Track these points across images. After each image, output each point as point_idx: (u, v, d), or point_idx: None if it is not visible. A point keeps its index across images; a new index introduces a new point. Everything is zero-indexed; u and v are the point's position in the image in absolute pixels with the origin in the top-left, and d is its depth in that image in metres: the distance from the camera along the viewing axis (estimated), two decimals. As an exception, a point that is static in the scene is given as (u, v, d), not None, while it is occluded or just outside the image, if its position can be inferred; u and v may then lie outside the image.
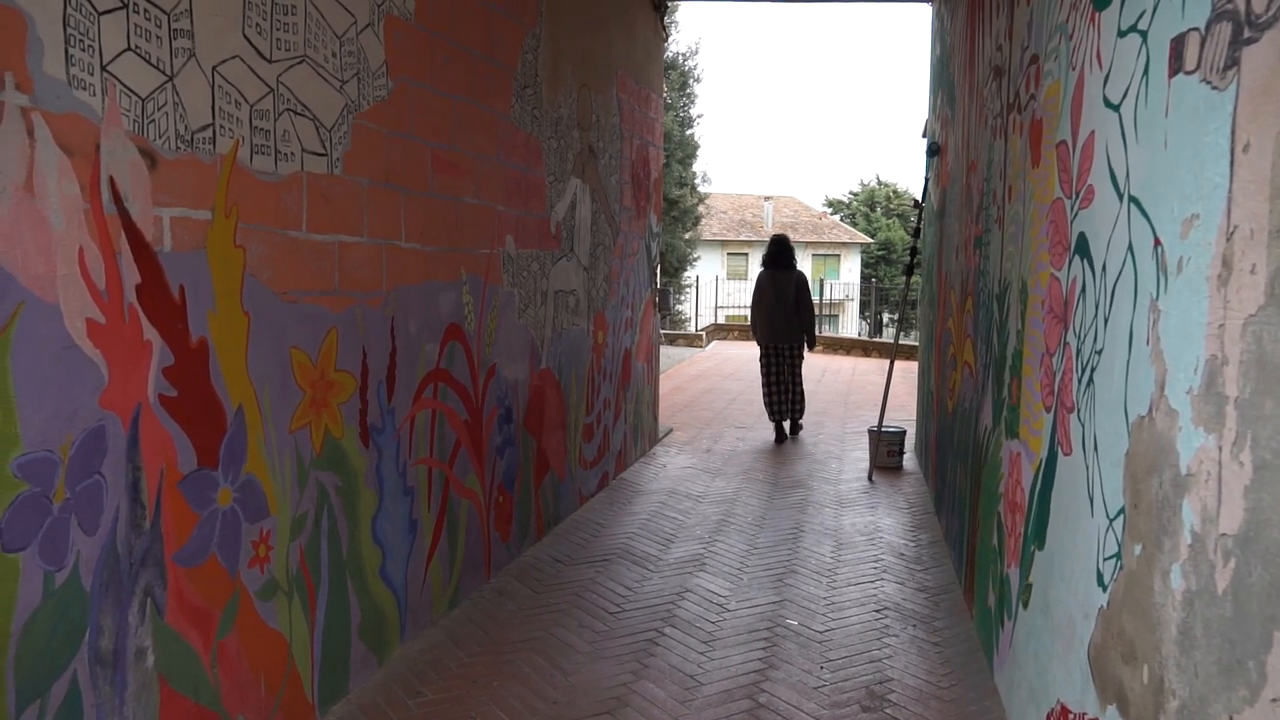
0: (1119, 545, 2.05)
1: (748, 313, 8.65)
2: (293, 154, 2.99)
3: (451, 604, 4.29)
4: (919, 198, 7.78)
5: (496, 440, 4.74)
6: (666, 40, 8.25)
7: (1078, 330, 2.51)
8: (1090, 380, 2.34)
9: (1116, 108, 2.20)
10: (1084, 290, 2.46)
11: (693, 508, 6.34)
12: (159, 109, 2.40)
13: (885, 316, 31.57)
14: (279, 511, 2.96)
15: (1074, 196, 2.62)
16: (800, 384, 8.76)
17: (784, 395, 8.64)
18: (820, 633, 4.18)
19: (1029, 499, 3.09)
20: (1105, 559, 2.14)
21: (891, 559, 5.29)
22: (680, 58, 24.67)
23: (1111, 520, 2.11)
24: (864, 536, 5.72)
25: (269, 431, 2.89)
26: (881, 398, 7.88)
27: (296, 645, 3.08)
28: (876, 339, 19.82)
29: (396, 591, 3.77)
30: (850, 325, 36.91)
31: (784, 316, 8.50)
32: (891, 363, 7.57)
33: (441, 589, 4.18)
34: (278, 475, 2.95)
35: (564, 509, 5.85)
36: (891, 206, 45.37)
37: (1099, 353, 2.27)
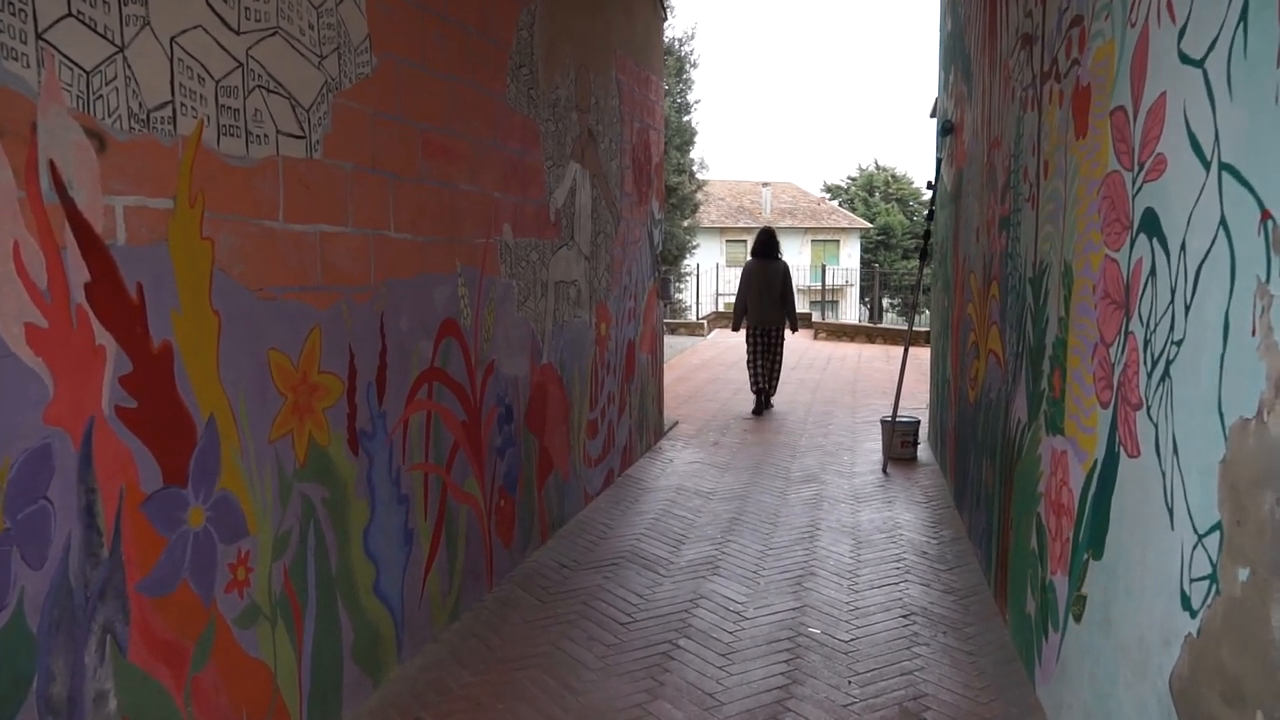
0: (1213, 566, 1.78)
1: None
2: (266, 136, 2.71)
3: (452, 617, 4.03)
4: (931, 179, 7.50)
5: (496, 441, 4.47)
6: (666, 20, 7.95)
7: (1145, 318, 2.24)
8: (1165, 374, 2.07)
9: (1199, 63, 1.92)
10: (1153, 272, 2.19)
11: (703, 505, 6.08)
12: (107, 84, 2.12)
13: (885, 301, 31.25)
14: (259, 530, 2.69)
15: (1136, 168, 2.35)
16: (779, 362, 9.67)
17: (765, 370, 9.68)
18: (845, 642, 3.92)
19: (1079, 502, 2.82)
20: (1193, 580, 1.88)
21: (914, 558, 5.03)
22: (677, 43, 24.30)
23: (1202, 537, 1.84)
24: (883, 534, 5.46)
25: (245, 442, 2.62)
26: (895, 387, 7.63)
27: (282, 674, 2.81)
28: (880, 325, 19.54)
29: (392, 608, 3.51)
30: (850, 311, 36.63)
31: (770, 302, 9.51)
32: (905, 350, 7.30)
33: (441, 601, 3.92)
34: (257, 490, 2.68)
35: (569, 509, 5.59)
36: (890, 191, 45.01)
37: (1178, 344, 2.00)
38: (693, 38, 29.28)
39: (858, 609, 4.29)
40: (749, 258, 9.76)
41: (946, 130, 6.80)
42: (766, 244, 9.61)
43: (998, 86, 4.68)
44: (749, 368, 9.75)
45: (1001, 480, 4.27)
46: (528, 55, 4.80)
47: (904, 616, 4.21)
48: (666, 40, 23.48)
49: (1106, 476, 2.54)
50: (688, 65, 24.95)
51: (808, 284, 33.73)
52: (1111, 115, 2.57)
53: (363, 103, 3.24)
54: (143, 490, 2.25)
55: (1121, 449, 2.41)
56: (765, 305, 9.50)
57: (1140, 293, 2.28)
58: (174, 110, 2.33)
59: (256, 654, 2.69)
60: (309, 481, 2.95)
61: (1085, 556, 2.73)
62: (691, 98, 25.70)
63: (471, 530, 4.21)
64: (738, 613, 4.24)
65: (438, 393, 3.85)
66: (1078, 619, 2.80)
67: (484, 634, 3.96)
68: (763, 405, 9.64)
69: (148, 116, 2.24)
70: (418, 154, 3.65)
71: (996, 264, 4.59)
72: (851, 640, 3.94)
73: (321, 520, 3.03)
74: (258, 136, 2.67)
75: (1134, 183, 2.35)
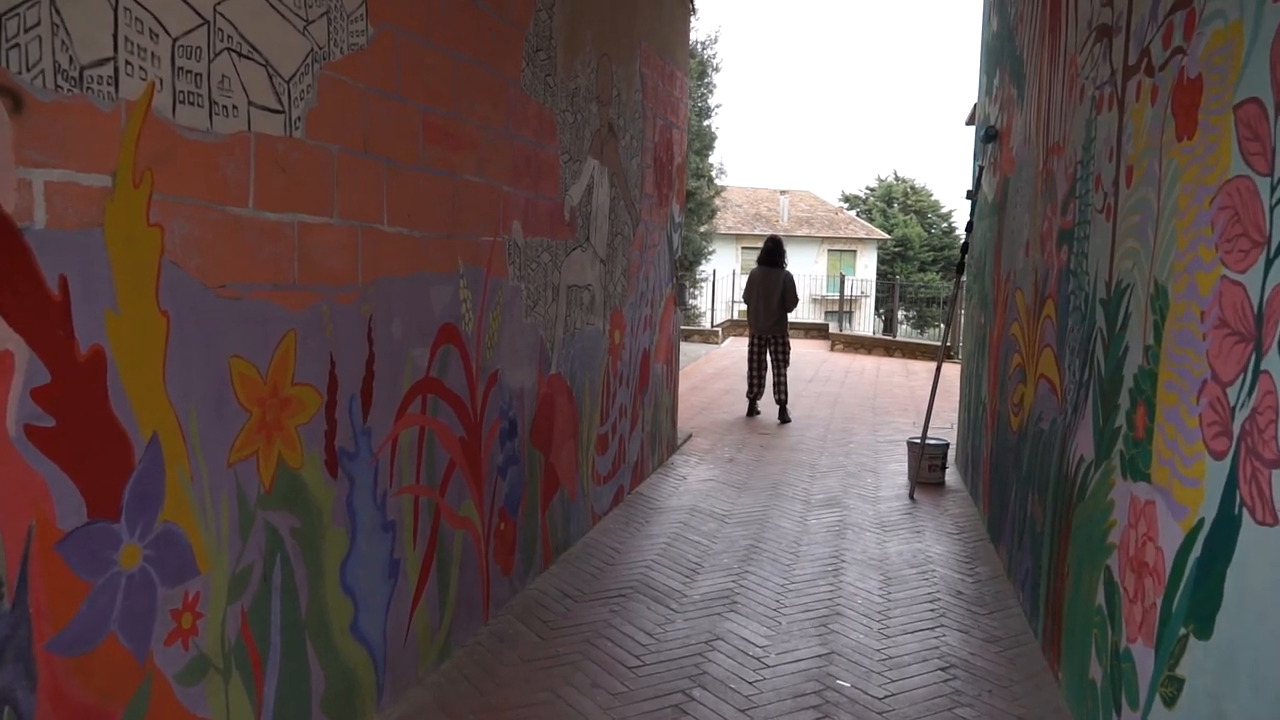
0: None
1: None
2: (235, 108, 2.32)
3: (442, 655, 3.63)
4: (970, 188, 7.08)
5: (498, 459, 4.07)
6: (693, 14, 7.56)
7: (1288, 355, 1.83)
8: (1326, 429, 1.66)
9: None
10: (1303, 301, 1.78)
11: (718, 529, 5.67)
12: (27, 31, 1.73)
13: (900, 314, 30.72)
14: (211, 567, 2.30)
15: (1276, 172, 1.93)
16: (782, 371, 9.57)
17: (762, 378, 9.77)
18: (879, 700, 3.50)
19: (1174, 564, 2.40)
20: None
21: (948, 598, 4.61)
22: (700, 46, 23.95)
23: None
24: (914, 569, 5.04)
25: (197, 466, 2.23)
26: (919, 405, 7.20)
27: (236, 734, 2.42)
28: (900, 339, 19.11)
29: (372, 648, 3.11)
30: (866, 322, 36.16)
31: (768, 310, 9.52)
32: (938, 369, 6.87)
33: (430, 639, 3.52)
34: (209, 521, 2.28)
35: (575, 531, 5.19)
36: (909, 203, 44.50)
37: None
38: (716, 41, 28.99)
39: (891, 658, 3.87)
40: (755, 264, 9.88)
41: (990, 137, 6.38)
42: (772, 252, 9.66)
43: (1059, 86, 4.25)
44: (748, 373, 9.86)
45: (1055, 520, 3.84)
46: (546, 38, 4.41)
47: (943, 669, 3.78)
48: (690, 42, 23.14)
49: (1219, 542, 2.12)
50: (710, 69, 24.58)
51: (824, 294, 33.28)
52: (1236, 110, 2.16)
53: (355, 77, 2.85)
54: (60, 527, 1.85)
55: (1245, 512, 1.99)
56: (764, 315, 9.57)
57: (1280, 324, 1.86)
58: (116, 69, 1.94)
59: (204, 714, 2.29)
60: (276, 509, 2.55)
61: (1183, 632, 2.31)
62: (712, 102, 25.32)
63: (467, 558, 3.81)
64: (758, 659, 3.82)
65: (433, 406, 3.45)
66: (1169, 703, 2.38)
67: (477, 676, 3.56)
68: (756, 410, 9.80)
69: (80, 74, 1.85)
70: (418, 138, 3.26)
71: (1053, 281, 4.17)
72: (886, 698, 3.52)
73: (290, 553, 2.63)
74: (224, 108, 2.27)
75: (1274, 191, 1.94)
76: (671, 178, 7.17)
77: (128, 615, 2.03)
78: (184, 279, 2.16)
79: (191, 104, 2.16)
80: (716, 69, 25.33)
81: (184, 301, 2.16)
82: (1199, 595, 2.23)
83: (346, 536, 2.92)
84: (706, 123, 24.68)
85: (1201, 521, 2.24)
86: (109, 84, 1.92)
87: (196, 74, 2.17)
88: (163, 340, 2.10)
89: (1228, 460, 2.10)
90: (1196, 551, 2.26)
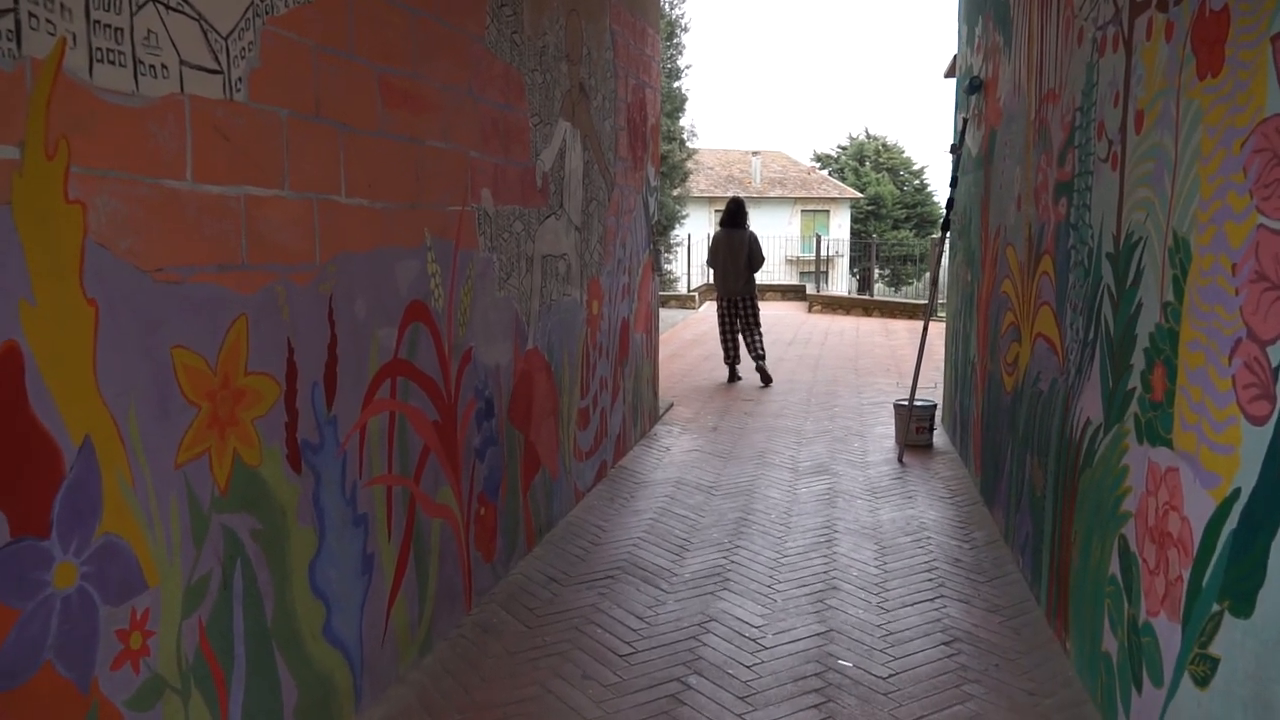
0: None
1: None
2: (165, 68, 2.07)
3: (423, 649, 3.44)
4: (954, 143, 6.88)
5: (475, 441, 3.86)
6: (662, -34, 7.26)
7: (1346, 311, 1.65)
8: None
9: None
10: (1365, 250, 1.60)
11: (705, 502, 5.50)
12: (-98, -23, 1.48)
13: (876, 272, 30.60)
14: (162, 580, 2.09)
15: (1327, 109, 1.74)
16: (755, 332, 9.44)
17: (736, 342, 9.61)
18: (883, 679, 3.36)
19: (1203, 536, 2.25)
20: None
21: (946, 567, 4.47)
22: (668, 5, 23.49)
23: None
24: (909, 537, 4.90)
25: (140, 470, 2.01)
26: (902, 365, 7.05)
27: (199, 756, 2.22)
28: (878, 298, 19.01)
29: (348, 650, 2.92)
30: (840, 282, 36.04)
31: (735, 273, 9.41)
32: (924, 329, 6.70)
33: (409, 635, 3.33)
34: (157, 530, 2.07)
35: (558, 510, 5.00)
36: (881, 160, 44.26)
37: None
38: (684, 0, 28.46)
39: (892, 634, 3.73)
40: (718, 227, 9.82)
41: (974, 88, 6.17)
42: (735, 214, 9.55)
43: (1053, 30, 4.05)
44: (721, 340, 9.72)
45: (1058, 485, 3.70)
46: (510, -8, 4.14)
47: (946, 644, 3.64)
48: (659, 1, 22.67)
49: (1262, 513, 1.96)
50: (679, 29, 24.16)
51: (799, 254, 33.10)
52: (1275, 42, 1.96)
53: (303, 33, 2.59)
54: (-22, 549, 1.63)
55: (1294, 483, 1.82)
56: (731, 276, 9.45)
57: (1335, 277, 1.69)
58: (17, 22, 1.69)
59: (161, 739, 2.09)
60: (233, 511, 2.33)
61: (1216, 608, 2.16)
62: (682, 63, 24.94)
63: (446, 547, 3.61)
64: (755, 640, 3.66)
65: (403, 389, 3.23)
66: (1201, 683, 2.23)
67: (461, 670, 3.38)
68: (737, 376, 9.68)
69: (-27, 29, 1.60)
70: (375, 101, 3.01)
71: (1050, 236, 3.99)
72: (890, 677, 3.37)
73: (252, 558, 2.42)
74: (152, 68, 2.03)
75: (1324, 128, 1.75)
76: (646, 139, 6.92)
77: (66, 640, 1.82)
78: (113, 262, 1.92)
79: (112, 63, 1.91)
80: (685, 29, 24.90)
81: (115, 288, 1.93)
82: (1236, 570, 2.07)
83: (314, 535, 2.71)
84: (677, 84, 24.31)
85: (1237, 491, 2.08)
86: (9, 39, 1.67)
87: (117, 29, 1.92)
88: (91, 332, 1.87)
89: (1270, 426, 1.93)
90: (1232, 524, 2.10)
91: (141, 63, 1.99)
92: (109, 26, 1.90)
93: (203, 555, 2.22)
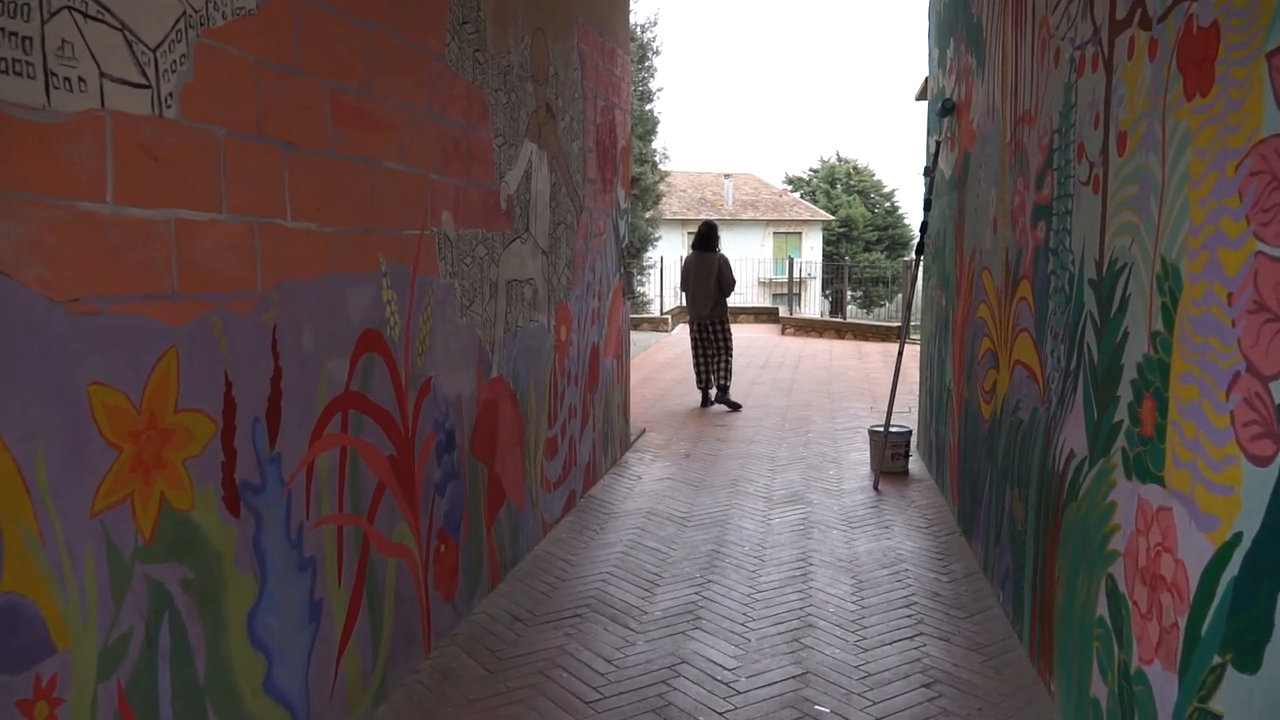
0: None
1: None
2: (83, 81, 1.90)
3: (377, 699, 3.24)
4: (927, 165, 6.81)
5: (434, 476, 3.68)
6: (632, -12, 7.19)
7: (1359, 346, 1.53)
8: None
9: None
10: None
11: (677, 534, 5.34)
12: None
13: (849, 294, 30.68)
14: (74, 642, 1.89)
15: (1332, 129, 1.63)
16: (723, 357, 9.43)
17: (709, 366, 9.53)
18: (862, 726, 3.20)
19: (1201, 583, 2.12)
20: None
21: (925, 602, 4.33)
22: (639, 29, 23.54)
23: None
24: (886, 570, 4.76)
25: (48, 521, 1.82)
26: (877, 390, 6.95)
27: (118, 834, 2.02)
28: (851, 320, 19.00)
29: (292, 704, 2.72)
30: (813, 304, 36.14)
31: (706, 295, 9.40)
32: (899, 354, 6.61)
33: (362, 683, 3.13)
34: (69, 586, 1.87)
35: (524, 545, 4.81)
36: (852, 183, 44.55)
37: None
38: (655, 24, 28.61)
39: (870, 675, 3.58)
40: (689, 250, 9.82)
41: (947, 110, 6.11)
42: (706, 237, 9.58)
43: (1029, 51, 3.97)
44: (694, 364, 9.63)
45: (1040, 519, 3.57)
46: (473, 10, 4.00)
47: (927, 685, 3.50)
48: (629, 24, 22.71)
49: (1266, 561, 1.83)
50: (650, 53, 24.22)
51: (771, 276, 33.14)
52: (1270, 59, 1.85)
53: (243, 47, 2.43)
54: None
55: (1303, 530, 1.70)
56: (701, 299, 9.44)
57: (1346, 309, 1.57)
58: (-97, 29, 1.52)
59: (72, 818, 1.89)
60: (160, 561, 2.14)
61: (1217, 660, 2.03)
62: (654, 85, 24.96)
63: (403, 588, 3.42)
64: (727, 684, 3.50)
65: (355, 423, 3.06)
66: (1201, 739, 2.10)
67: (416, 722, 3.18)
68: (709, 400, 9.58)
69: None
70: (325, 119, 2.85)
71: (1029, 260, 3.89)
72: (870, 723, 3.22)
73: (182, 610, 2.23)
74: (67, 81, 1.86)
75: (1330, 150, 1.64)
76: (615, 161, 6.80)
77: (-44, 717, 1.63)
78: (17, 292, 1.74)
79: (18, 74, 1.74)
80: (657, 52, 24.97)
81: (19, 320, 1.75)
82: (1239, 622, 1.94)
83: (255, 582, 2.52)
84: (649, 107, 24.33)
85: (1239, 536, 1.95)
86: (-108, 47, 1.50)
87: (25, 37, 1.75)
88: (-9, 370, 1.69)
89: (1275, 467, 1.81)
90: (1233, 570, 1.97)
91: (54, 75, 1.82)
92: (14, 34, 1.73)
93: (123, 611, 2.03)
